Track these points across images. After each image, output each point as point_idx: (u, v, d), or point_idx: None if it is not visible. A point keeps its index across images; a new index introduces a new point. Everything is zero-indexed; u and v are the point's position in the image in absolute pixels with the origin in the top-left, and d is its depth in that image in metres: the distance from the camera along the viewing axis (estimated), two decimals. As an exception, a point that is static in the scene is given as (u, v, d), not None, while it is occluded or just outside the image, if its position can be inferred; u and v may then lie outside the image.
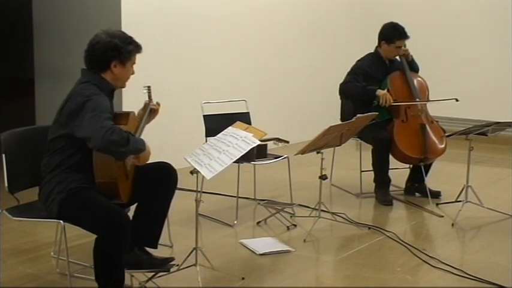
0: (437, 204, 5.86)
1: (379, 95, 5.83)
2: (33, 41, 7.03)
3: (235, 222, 5.34)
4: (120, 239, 3.64)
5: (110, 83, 3.89)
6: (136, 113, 4.10)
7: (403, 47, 6.05)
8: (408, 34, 5.99)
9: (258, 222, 5.35)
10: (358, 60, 6.15)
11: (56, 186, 3.77)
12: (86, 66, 3.90)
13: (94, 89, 3.78)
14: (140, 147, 3.79)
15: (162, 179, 4.09)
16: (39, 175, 3.88)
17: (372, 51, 6.15)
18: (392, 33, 5.99)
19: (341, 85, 6.02)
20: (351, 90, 5.94)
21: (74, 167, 3.78)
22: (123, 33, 3.95)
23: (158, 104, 4.25)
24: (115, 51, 3.84)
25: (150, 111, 4.18)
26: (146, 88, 4.18)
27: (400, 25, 6.02)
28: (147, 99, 4.19)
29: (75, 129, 3.69)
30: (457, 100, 6.02)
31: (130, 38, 3.92)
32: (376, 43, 6.12)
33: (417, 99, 6.00)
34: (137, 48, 3.93)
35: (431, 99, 6.10)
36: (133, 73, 3.97)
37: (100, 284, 3.71)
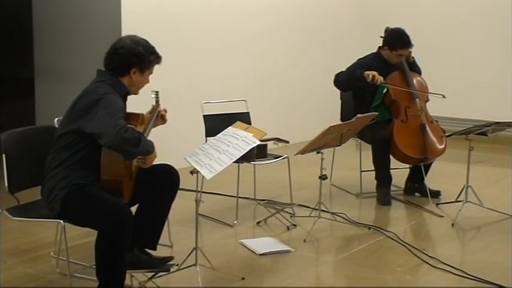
0: (437, 204, 5.86)
1: (366, 74, 5.70)
2: (33, 41, 7.03)
3: (235, 222, 5.34)
4: (123, 235, 3.64)
5: (125, 86, 3.92)
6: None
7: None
8: (412, 43, 5.92)
9: (258, 222, 5.35)
10: (360, 59, 6.16)
11: (59, 182, 3.77)
12: (105, 68, 3.93)
13: (108, 88, 3.81)
14: (149, 149, 3.80)
15: (164, 181, 4.09)
16: (43, 171, 3.87)
17: (374, 51, 6.15)
18: (396, 42, 5.94)
19: (336, 74, 5.99)
20: (341, 76, 5.92)
21: (78, 164, 3.79)
22: (147, 42, 3.98)
23: (165, 110, 4.25)
24: (137, 59, 3.88)
25: (157, 116, 4.19)
26: (154, 93, 4.19)
27: (406, 34, 5.95)
28: (154, 103, 4.20)
29: (85, 125, 3.70)
30: (444, 96, 5.98)
31: (153, 48, 3.97)
32: (376, 43, 6.11)
33: (417, 99, 6.00)
34: (158, 59, 3.99)
35: (419, 91, 6.01)
36: (147, 82, 4.00)
37: (101, 280, 3.70)
